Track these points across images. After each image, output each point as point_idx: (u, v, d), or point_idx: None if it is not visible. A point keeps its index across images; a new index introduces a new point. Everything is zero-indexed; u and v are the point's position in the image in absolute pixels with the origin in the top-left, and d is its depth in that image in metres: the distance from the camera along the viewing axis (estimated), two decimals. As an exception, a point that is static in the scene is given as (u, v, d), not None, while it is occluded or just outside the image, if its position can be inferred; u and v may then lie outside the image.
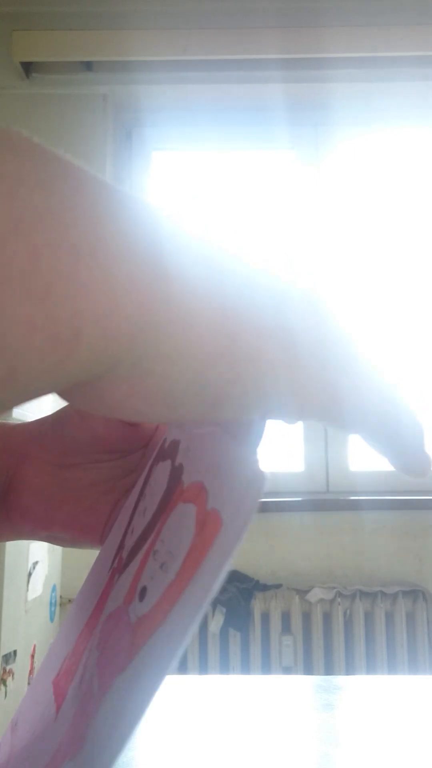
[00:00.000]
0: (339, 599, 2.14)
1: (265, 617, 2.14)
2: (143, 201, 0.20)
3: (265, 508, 2.04)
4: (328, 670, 2.11)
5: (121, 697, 0.24)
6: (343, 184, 2.60)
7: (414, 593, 2.16)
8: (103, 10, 2.46)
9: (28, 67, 2.42)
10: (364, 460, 2.46)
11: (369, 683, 0.93)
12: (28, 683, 1.75)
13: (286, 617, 2.15)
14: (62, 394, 0.21)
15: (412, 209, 2.62)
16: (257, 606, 2.13)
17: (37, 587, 1.82)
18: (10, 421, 0.40)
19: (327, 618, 2.15)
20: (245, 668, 2.11)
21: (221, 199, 2.65)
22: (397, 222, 2.62)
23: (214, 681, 1.01)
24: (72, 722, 0.27)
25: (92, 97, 2.47)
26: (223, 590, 2.14)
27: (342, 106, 2.57)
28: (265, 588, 2.18)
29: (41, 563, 1.85)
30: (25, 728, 0.32)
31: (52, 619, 2.03)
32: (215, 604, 2.13)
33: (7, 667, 1.57)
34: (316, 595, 2.14)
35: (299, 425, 2.42)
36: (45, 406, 1.32)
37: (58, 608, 2.13)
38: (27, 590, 1.72)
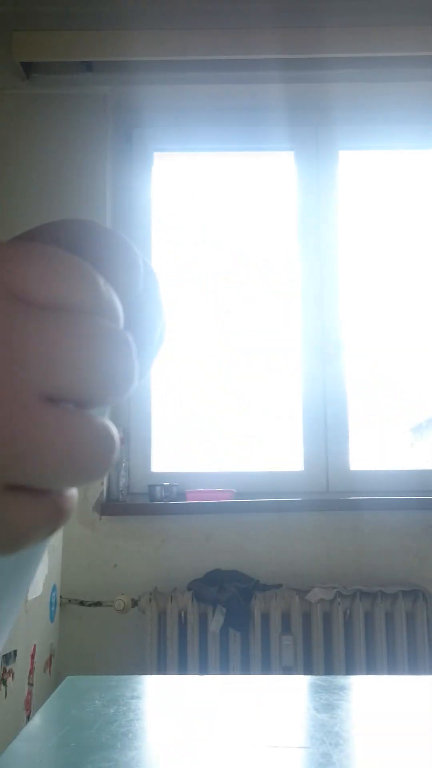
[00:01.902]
0: (339, 599, 2.13)
1: (265, 617, 2.14)
2: None
3: (265, 508, 2.06)
4: (328, 670, 2.10)
5: None
6: (343, 184, 2.59)
7: (414, 593, 2.16)
8: (103, 10, 2.46)
9: (28, 67, 2.42)
10: (364, 460, 2.46)
11: (369, 683, 0.93)
12: (29, 683, 1.75)
13: (286, 617, 2.15)
14: None
15: (413, 209, 2.62)
16: (257, 606, 2.13)
17: (37, 587, 1.82)
18: None
19: (327, 618, 2.15)
20: (245, 668, 2.11)
21: (221, 199, 2.65)
22: (397, 222, 2.61)
23: (214, 681, 1.01)
24: None
25: (92, 97, 2.47)
26: (223, 590, 2.14)
27: (342, 106, 2.57)
28: (265, 588, 2.18)
29: (41, 563, 1.85)
30: None
31: (52, 619, 2.03)
32: (215, 604, 2.13)
33: (7, 667, 1.57)
34: (316, 595, 2.13)
35: (299, 425, 2.42)
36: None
37: (58, 608, 2.13)
38: (27, 590, 1.72)
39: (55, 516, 0.21)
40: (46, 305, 0.20)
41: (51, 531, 0.22)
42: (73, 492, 0.22)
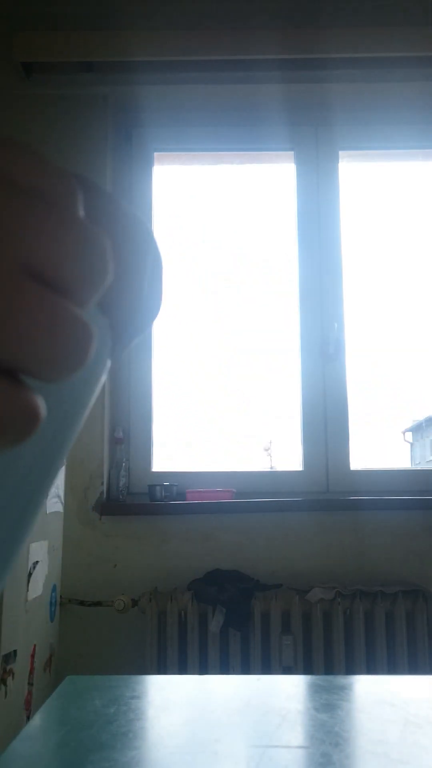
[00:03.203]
0: (339, 599, 2.14)
1: (265, 617, 2.14)
2: None
3: (265, 508, 2.06)
4: (328, 670, 2.11)
5: None
6: (343, 184, 2.60)
7: (414, 593, 2.16)
8: (103, 11, 2.46)
9: (28, 68, 2.42)
10: (363, 460, 2.47)
11: (369, 683, 0.93)
12: (29, 683, 1.75)
13: (286, 617, 2.15)
14: None
15: (413, 209, 2.62)
16: (257, 606, 2.13)
17: (37, 587, 1.82)
18: None
19: (327, 618, 2.15)
20: (245, 668, 2.11)
21: (221, 199, 2.65)
22: (398, 222, 2.62)
23: (214, 681, 1.01)
24: None
25: (92, 98, 2.48)
26: (223, 590, 2.14)
27: (342, 106, 2.57)
28: (265, 588, 2.18)
29: (41, 563, 1.85)
30: None
31: (52, 619, 2.03)
32: (215, 604, 2.13)
33: (7, 667, 1.57)
34: (316, 595, 2.13)
35: (298, 425, 2.42)
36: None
37: (58, 608, 2.13)
38: (27, 590, 1.72)
39: (17, 415, 0.20)
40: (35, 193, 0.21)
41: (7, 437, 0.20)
42: (41, 402, 0.21)
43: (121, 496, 2.31)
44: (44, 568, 1.89)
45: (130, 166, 2.59)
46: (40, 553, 1.83)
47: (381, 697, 0.84)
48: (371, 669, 2.10)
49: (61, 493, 2.09)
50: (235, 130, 2.60)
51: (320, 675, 1.79)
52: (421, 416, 2.82)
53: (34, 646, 1.81)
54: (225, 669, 2.11)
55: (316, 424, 2.43)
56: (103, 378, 0.29)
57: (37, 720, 0.80)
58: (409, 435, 2.86)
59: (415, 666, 2.12)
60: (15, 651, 1.62)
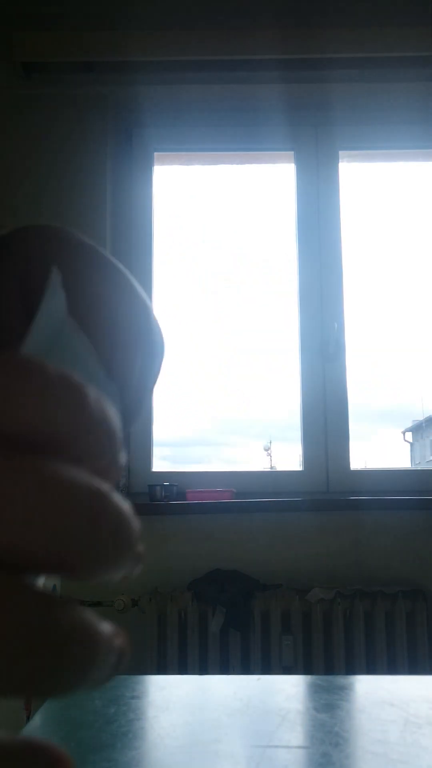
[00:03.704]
0: (339, 599, 2.14)
1: (265, 617, 2.14)
2: None
3: (265, 508, 2.05)
4: (328, 670, 2.11)
5: None
6: (343, 184, 2.60)
7: (414, 593, 2.16)
8: (103, 10, 2.46)
9: (28, 67, 2.42)
10: (364, 460, 2.47)
11: (369, 683, 0.93)
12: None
13: (286, 617, 2.15)
14: None
15: (413, 209, 2.62)
16: (257, 606, 2.13)
17: (37, 587, 1.82)
18: None
19: (327, 618, 2.15)
20: (245, 668, 2.11)
21: (221, 199, 2.65)
22: (398, 222, 2.62)
23: (214, 681, 1.01)
24: None
25: (92, 97, 2.47)
26: (223, 590, 2.14)
27: (342, 106, 2.57)
28: (265, 588, 2.18)
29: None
30: None
31: (52, 619, 2.03)
32: (215, 603, 2.13)
33: (8, 667, 1.57)
34: (316, 595, 2.13)
35: (298, 425, 2.42)
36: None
37: (58, 608, 2.13)
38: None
39: None
40: (9, 435, 0.16)
41: None
42: None
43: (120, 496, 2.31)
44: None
45: (130, 166, 2.59)
46: (40, 553, 1.83)
47: (381, 697, 0.84)
48: (371, 669, 2.10)
49: (61, 493, 2.09)
50: (235, 130, 2.60)
51: (320, 675, 1.79)
52: (421, 416, 2.82)
53: (34, 646, 1.81)
54: (225, 669, 2.11)
55: (316, 424, 2.43)
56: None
57: (37, 720, 0.80)
58: (409, 435, 2.86)
59: (415, 666, 2.12)
60: (15, 651, 1.62)
